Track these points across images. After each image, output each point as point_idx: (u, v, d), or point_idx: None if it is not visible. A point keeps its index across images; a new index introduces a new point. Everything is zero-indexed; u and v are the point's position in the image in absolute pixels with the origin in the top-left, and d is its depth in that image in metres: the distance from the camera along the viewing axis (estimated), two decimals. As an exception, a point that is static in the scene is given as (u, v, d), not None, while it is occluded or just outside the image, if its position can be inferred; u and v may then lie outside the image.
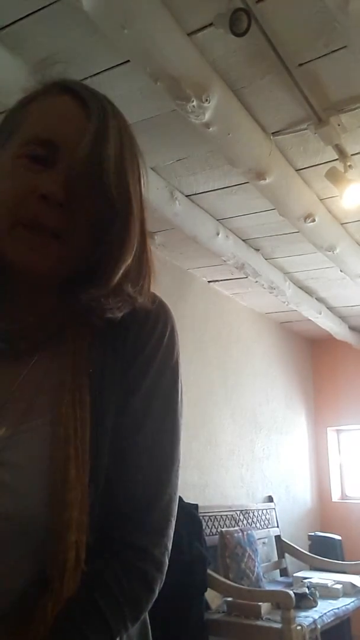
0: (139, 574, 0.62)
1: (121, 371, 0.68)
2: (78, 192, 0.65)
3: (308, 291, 4.06)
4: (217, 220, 2.99)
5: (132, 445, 0.66)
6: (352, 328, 4.85)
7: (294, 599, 2.81)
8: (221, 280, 3.91)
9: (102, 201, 0.65)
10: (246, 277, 3.51)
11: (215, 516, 3.50)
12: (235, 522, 3.66)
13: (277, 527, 4.16)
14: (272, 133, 2.23)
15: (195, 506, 3.17)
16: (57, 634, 0.56)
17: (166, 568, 0.65)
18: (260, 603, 2.92)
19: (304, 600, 3.14)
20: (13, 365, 0.67)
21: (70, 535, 0.58)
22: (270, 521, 4.10)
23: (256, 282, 3.51)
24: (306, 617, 2.98)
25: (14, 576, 0.60)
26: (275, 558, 4.10)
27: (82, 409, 0.63)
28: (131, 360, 0.69)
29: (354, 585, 3.56)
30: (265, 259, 3.47)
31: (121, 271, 0.67)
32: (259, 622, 2.86)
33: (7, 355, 0.68)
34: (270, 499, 4.27)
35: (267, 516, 4.09)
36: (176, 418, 0.70)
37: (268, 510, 4.13)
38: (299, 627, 2.81)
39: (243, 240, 3.24)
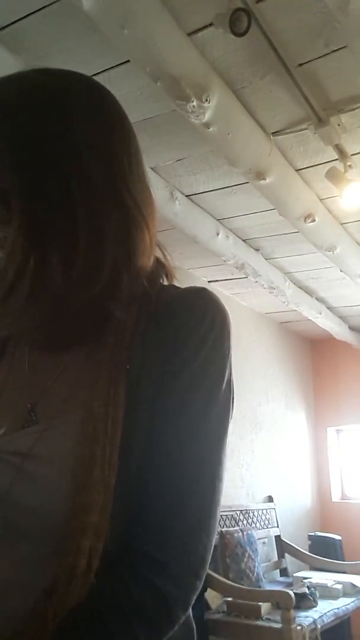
0: (153, 590, 0.55)
1: (159, 368, 0.62)
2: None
3: (308, 291, 4.06)
4: (217, 220, 2.99)
5: (165, 448, 0.60)
6: (352, 328, 4.85)
7: (294, 599, 2.81)
8: (221, 280, 3.91)
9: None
10: (246, 277, 3.51)
11: (215, 516, 3.50)
12: (235, 522, 3.66)
13: (277, 527, 4.16)
14: (272, 133, 2.23)
15: (195, 506, 3.16)
16: None
17: (192, 590, 0.58)
18: (260, 603, 2.92)
19: (304, 600, 3.14)
20: (52, 357, 0.65)
21: (84, 540, 0.54)
22: (270, 521, 4.10)
23: (256, 282, 3.51)
24: (306, 617, 2.98)
25: (33, 572, 0.58)
26: (275, 558, 4.10)
27: (116, 406, 0.59)
28: (170, 357, 0.62)
29: (354, 585, 3.56)
30: (265, 259, 3.47)
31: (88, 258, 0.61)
32: (259, 622, 2.86)
33: (45, 347, 0.66)
34: (270, 499, 4.27)
35: (267, 516, 4.09)
36: (218, 421, 0.63)
37: (268, 510, 4.13)
38: (299, 627, 2.81)
39: (243, 240, 3.24)
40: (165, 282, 0.71)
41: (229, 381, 0.65)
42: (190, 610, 0.62)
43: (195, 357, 0.63)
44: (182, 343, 0.63)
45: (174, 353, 0.63)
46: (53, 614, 0.53)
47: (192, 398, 0.62)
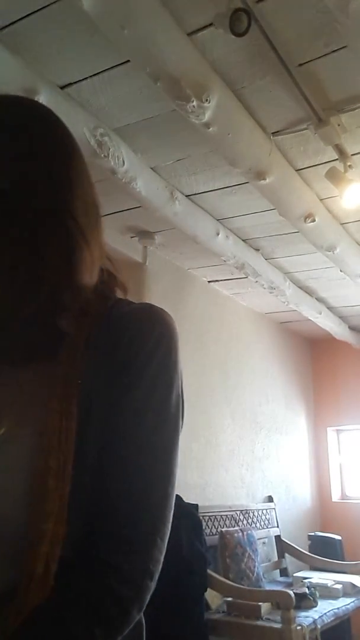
0: (112, 595, 0.59)
1: (111, 384, 0.66)
2: None
3: (308, 291, 4.06)
4: (217, 220, 2.99)
5: (117, 458, 0.64)
6: (352, 328, 4.85)
7: (294, 599, 2.81)
8: (221, 280, 3.91)
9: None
10: (246, 277, 3.51)
11: (215, 516, 3.50)
12: (235, 522, 3.66)
13: (277, 527, 4.16)
14: (272, 133, 2.23)
15: (195, 506, 3.17)
16: None
17: (147, 591, 0.62)
18: (260, 603, 2.92)
19: (304, 600, 3.14)
20: (9, 373, 0.68)
21: (42, 546, 0.57)
22: (270, 521, 4.10)
23: (256, 282, 3.51)
24: (306, 617, 2.98)
25: None
26: (275, 558, 4.10)
27: (69, 420, 0.62)
28: (122, 372, 0.66)
29: (354, 585, 3.56)
30: (265, 259, 3.47)
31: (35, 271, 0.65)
32: (259, 622, 2.86)
33: (3, 364, 0.69)
34: (270, 499, 4.27)
35: (267, 516, 4.09)
36: (169, 434, 0.67)
37: (268, 510, 4.13)
38: (299, 627, 2.81)
39: (243, 240, 3.24)
40: (121, 296, 0.75)
41: (178, 394, 0.69)
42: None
43: (144, 373, 0.66)
44: (132, 359, 0.66)
45: (124, 368, 0.66)
46: (14, 616, 0.56)
47: (144, 413, 0.66)
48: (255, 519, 3.91)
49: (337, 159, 2.30)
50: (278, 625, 2.77)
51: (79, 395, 0.64)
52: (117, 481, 0.63)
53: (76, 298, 0.68)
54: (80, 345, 0.67)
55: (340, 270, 3.40)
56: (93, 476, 0.62)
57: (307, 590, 3.25)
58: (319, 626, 2.98)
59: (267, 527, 4.04)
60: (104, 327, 0.68)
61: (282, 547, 4.14)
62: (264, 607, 2.93)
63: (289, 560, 4.14)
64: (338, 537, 4.32)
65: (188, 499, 3.15)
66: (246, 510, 3.86)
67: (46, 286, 0.66)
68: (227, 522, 3.59)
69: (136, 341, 0.67)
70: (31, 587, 0.57)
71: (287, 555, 4.13)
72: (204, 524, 3.23)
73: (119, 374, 0.66)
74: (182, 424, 0.70)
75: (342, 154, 2.26)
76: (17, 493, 0.60)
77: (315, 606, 3.17)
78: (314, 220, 2.64)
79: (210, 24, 1.68)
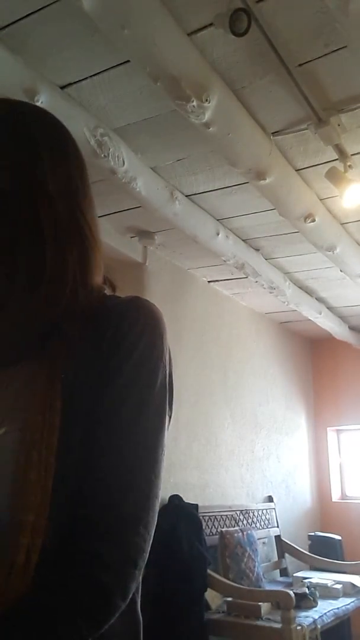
0: (95, 584, 0.59)
1: (94, 377, 0.67)
2: None
3: (308, 291, 4.06)
4: (217, 220, 2.99)
5: (99, 447, 0.65)
6: (352, 328, 4.85)
7: (294, 599, 2.81)
8: (221, 280, 3.91)
9: None
10: (246, 277, 3.51)
11: (215, 516, 3.50)
12: (235, 522, 3.66)
13: (277, 527, 4.16)
14: (272, 133, 2.23)
15: (195, 506, 3.17)
16: None
17: (130, 578, 0.62)
18: (260, 603, 2.92)
19: (304, 600, 3.14)
20: (1, 372, 0.70)
21: (22, 538, 0.58)
22: (270, 521, 4.10)
23: (256, 282, 3.51)
24: (306, 617, 2.98)
25: None
26: (275, 558, 4.10)
27: (51, 414, 0.63)
28: (104, 366, 0.67)
29: (354, 585, 3.56)
30: (265, 259, 3.47)
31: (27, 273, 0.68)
32: (259, 622, 2.86)
33: None
34: (270, 499, 4.27)
35: (267, 516, 4.09)
36: (152, 422, 0.67)
37: (268, 510, 4.13)
38: (299, 627, 2.81)
39: (243, 240, 3.24)
40: (109, 292, 0.78)
41: (164, 383, 0.70)
42: (137, 606, 0.68)
43: (128, 361, 0.67)
44: (115, 349, 0.68)
45: (107, 359, 0.67)
46: None
47: (125, 400, 0.66)
48: (255, 519, 3.91)
49: (337, 159, 2.30)
50: (278, 625, 2.77)
51: (63, 389, 0.65)
52: (98, 470, 0.64)
53: (85, 299, 0.70)
54: (65, 341, 0.68)
55: (340, 270, 3.40)
56: (76, 469, 0.63)
57: (307, 590, 3.25)
58: (319, 626, 2.98)
59: (267, 527, 4.04)
60: (91, 322, 0.69)
61: (282, 547, 4.14)
62: (264, 607, 2.93)
63: (289, 560, 4.14)
64: (338, 537, 4.32)
65: (188, 499, 3.15)
66: (246, 510, 3.86)
67: (67, 294, 0.69)
68: (227, 522, 3.59)
69: (120, 332, 0.68)
70: (11, 578, 0.57)
71: (287, 555, 4.13)
72: (204, 524, 3.23)
73: (102, 368, 0.67)
74: (170, 414, 0.71)
75: (342, 154, 2.26)
76: (1, 487, 0.61)
77: (315, 606, 3.17)
78: (314, 220, 2.64)
79: (210, 24, 1.68)
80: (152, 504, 0.65)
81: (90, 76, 1.91)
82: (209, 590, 2.98)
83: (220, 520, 3.53)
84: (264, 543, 3.96)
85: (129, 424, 0.66)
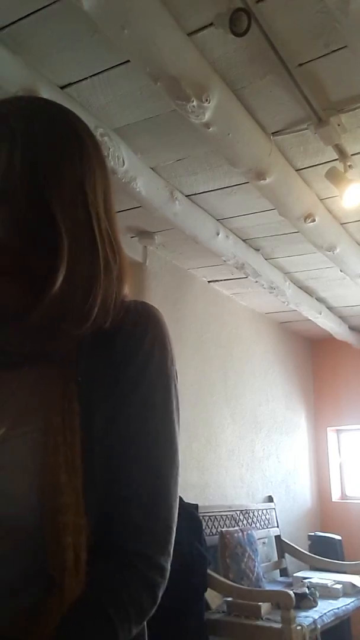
0: (144, 581, 0.64)
1: (111, 380, 0.68)
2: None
3: (308, 291, 4.06)
4: (217, 220, 2.99)
5: (131, 454, 0.67)
6: (352, 328, 4.85)
7: (294, 599, 2.81)
8: (221, 280, 3.91)
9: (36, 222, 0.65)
10: (246, 277, 3.51)
11: (215, 516, 3.50)
12: (235, 522, 3.66)
13: (277, 527, 4.16)
14: (272, 133, 2.23)
15: (195, 506, 3.17)
16: (63, 634, 0.57)
17: (167, 575, 0.66)
18: (260, 603, 2.92)
19: (304, 600, 3.14)
20: (6, 374, 0.69)
21: (66, 537, 0.59)
22: (270, 521, 4.10)
23: (256, 282, 3.51)
24: (306, 617, 2.98)
25: (2, 573, 0.62)
26: (275, 558, 4.10)
27: (70, 416, 0.64)
28: (121, 371, 0.68)
29: (354, 585, 3.56)
30: (265, 259, 3.47)
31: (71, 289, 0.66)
32: (259, 622, 2.86)
33: (1, 366, 0.69)
34: (270, 499, 4.27)
35: (267, 516, 4.09)
36: (172, 426, 0.70)
37: (268, 510, 4.13)
38: (299, 627, 2.81)
39: (243, 240, 3.24)
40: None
41: (177, 387, 0.73)
42: None
43: (146, 370, 0.69)
44: (132, 357, 0.69)
45: (125, 366, 0.69)
46: (57, 608, 0.58)
47: (150, 409, 0.69)
48: (255, 519, 3.91)
49: (337, 159, 2.30)
50: (278, 625, 2.77)
51: (78, 392, 0.65)
52: (133, 475, 0.66)
53: (115, 313, 0.70)
54: (77, 345, 0.68)
55: (340, 270, 3.39)
56: (102, 469, 0.65)
57: (307, 590, 3.25)
58: (319, 626, 2.98)
59: (267, 527, 4.04)
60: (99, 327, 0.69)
61: (282, 547, 4.14)
62: (264, 607, 2.93)
63: (289, 560, 4.14)
64: (338, 537, 4.32)
65: (188, 499, 3.14)
66: (246, 510, 3.86)
67: (99, 296, 0.67)
68: (227, 522, 3.59)
69: (133, 339, 0.70)
70: (66, 577, 0.59)
71: (287, 555, 4.13)
72: (204, 524, 3.23)
73: (119, 372, 0.68)
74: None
75: (342, 154, 2.26)
76: (23, 490, 0.61)
77: (315, 606, 3.17)
78: (314, 220, 2.64)
79: (210, 24, 1.68)
80: (177, 504, 0.70)
81: (90, 76, 1.91)
82: (209, 590, 2.98)
83: (220, 520, 3.53)
84: (264, 543, 3.96)
85: (156, 430, 0.68)
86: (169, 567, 0.66)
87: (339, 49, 1.78)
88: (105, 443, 0.66)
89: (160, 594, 0.65)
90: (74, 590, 0.59)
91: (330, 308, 4.40)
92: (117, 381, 0.68)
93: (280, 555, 4.12)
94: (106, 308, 0.68)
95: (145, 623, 0.69)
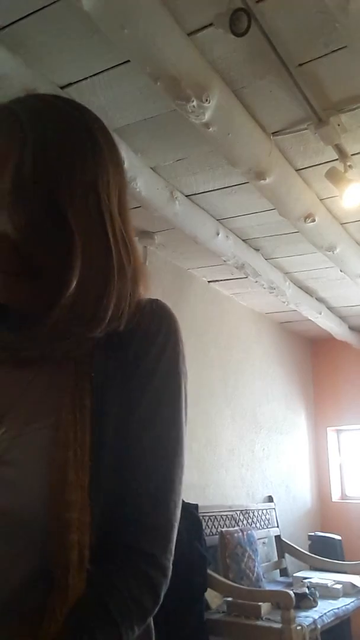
0: (146, 580, 0.63)
1: (124, 378, 0.68)
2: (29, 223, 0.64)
3: (308, 291, 4.06)
4: (217, 220, 2.99)
5: (137, 451, 0.67)
6: (352, 328, 4.85)
7: (294, 599, 2.81)
8: (221, 280, 3.91)
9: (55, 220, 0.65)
10: (246, 277, 3.51)
11: (215, 516, 3.50)
12: (235, 522, 3.66)
13: (277, 527, 4.16)
14: (272, 133, 2.23)
15: (195, 506, 3.17)
16: (67, 634, 0.57)
17: (170, 572, 0.66)
18: (260, 603, 2.92)
19: (304, 600, 3.14)
20: (17, 371, 0.68)
21: (71, 535, 0.59)
22: (270, 521, 4.10)
23: (256, 282, 3.51)
24: (306, 617, 2.98)
25: (11, 570, 0.61)
26: (275, 558, 4.10)
27: (82, 413, 0.63)
28: (134, 368, 0.68)
29: (354, 585, 3.56)
30: (265, 259, 3.47)
31: (93, 294, 0.66)
32: (259, 622, 2.86)
33: (12, 363, 0.69)
34: (270, 499, 4.27)
35: (267, 516, 4.09)
36: (181, 426, 0.70)
37: (268, 510, 4.13)
38: (299, 627, 2.81)
39: (243, 240, 3.24)
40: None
41: (186, 386, 0.73)
42: None
43: (158, 367, 0.69)
44: (144, 354, 0.69)
45: (137, 364, 0.69)
46: (60, 606, 0.58)
47: (161, 405, 0.69)
48: (255, 519, 3.91)
49: (337, 159, 2.30)
50: (278, 625, 2.77)
51: (91, 389, 0.65)
52: (139, 473, 0.66)
53: (130, 312, 0.70)
54: (90, 342, 0.67)
55: (340, 270, 3.39)
56: (109, 467, 0.64)
57: (307, 590, 3.25)
58: (319, 626, 2.98)
59: (267, 527, 4.03)
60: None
61: (282, 547, 4.14)
62: (264, 607, 2.93)
63: (289, 560, 4.14)
64: (338, 537, 4.32)
65: (188, 499, 3.14)
66: (246, 510, 3.86)
67: (113, 299, 0.67)
68: (227, 522, 3.59)
69: (146, 338, 0.69)
70: (70, 575, 0.59)
71: (287, 555, 4.13)
72: (204, 524, 3.23)
73: (132, 370, 0.68)
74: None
75: (342, 154, 2.26)
76: (32, 486, 0.61)
77: (315, 606, 3.17)
78: (314, 220, 2.64)
79: (210, 24, 1.68)
80: (180, 503, 0.69)
81: (90, 76, 1.91)
82: (209, 590, 2.98)
83: (220, 520, 3.53)
84: (264, 543, 3.95)
85: (165, 427, 0.68)
86: (170, 566, 0.66)
87: (339, 49, 1.78)
88: (114, 440, 0.65)
89: (163, 593, 0.65)
90: (77, 589, 0.59)
91: (330, 308, 4.40)
92: (129, 379, 0.68)
93: (280, 555, 4.12)
94: (120, 310, 0.67)
95: (151, 621, 0.69)
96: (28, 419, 0.64)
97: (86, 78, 1.92)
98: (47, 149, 0.65)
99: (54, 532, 0.59)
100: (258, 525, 3.90)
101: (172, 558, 0.66)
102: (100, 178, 0.68)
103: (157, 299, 0.74)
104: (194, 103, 1.77)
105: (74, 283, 0.64)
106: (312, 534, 4.43)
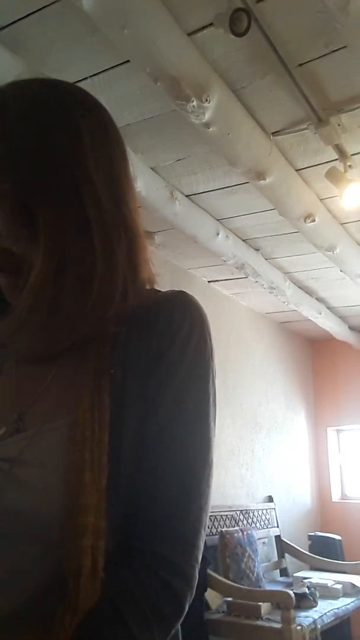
0: (168, 588, 0.58)
1: (145, 373, 0.64)
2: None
3: (308, 291, 4.06)
4: (217, 220, 2.99)
5: (160, 452, 0.62)
6: (352, 328, 4.85)
7: (294, 599, 2.81)
8: (221, 280, 3.91)
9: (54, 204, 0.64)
10: (246, 277, 3.51)
11: (215, 516, 3.50)
12: (235, 522, 3.66)
13: (277, 527, 4.16)
14: (272, 133, 2.23)
15: (195, 506, 3.16)
16: None
17: (195, 582, 0.61)
18: (260, 603, 2.92)
19: (304, 600, 3.14)
20: (39, 368, 0.67)
21: (85, 540, 0.56)
22: (270, 521, 4.10)
23: (256, 282, 3.51)
24: (306, 617, 2.98)
25: (26, 573, 0.59)
26: (275, 558, 4.10)
27: (101, 412, 0.60)
28: (156, 363, 0.64)
29: (354, 585, 3.56)
30: (265, 259, 3.47)
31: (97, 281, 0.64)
32: (259, 622, 2.86)
33: (32, 359, 0.68)
34: (270, 499, 4.27)
35: (267, 516, 4.09)
36: (207, 423, 0.65)
37: (268, 510, 4.13)
38: (299, 627, 2.81)
39: (243, 240, 3.24)
40: (147, 287, 0.74)
41: (214, 380, 0.68)
42: None
43: (181, 362, 0.65)
44: (167, 348, 0.65)
45: (160, 358, 0.64)
46: (69, 615, 0.54)
47: (184, 403, 0.64)
48: (255, 519, 3.91)
49: (337, 159, 2.30)
50: (278, 625, 2.77)
51: (111, 386, 0.62)
52: (162, 474, 0.61)
53: (137, 297, 0.68)
54: (110, 336, 0.65)
55: (340, 270, 3.40)
56: (129, 468, 0.61)
57: (307, 590, 3.25)
58: (319, 626, 2.98)
59: (267, 527, 4.04)
60: (137, 318, 0.66)
61: (282, 547, 4.14)
62: (264, 607, 2.93)
63: (289, 560, 4.14)
64: (338, 537, 4.32)
65: (188, 499, 3.14)
66: (246, 510, 3.86)
67: (117, 297, 0.65)
68: (227, 522, 3.59)
69: (170, 330, 0.65)
70: (81, 584, 0.55)
71: (287, 555, 4.13)
72: (204, 524, 3.22)
73: (154, 364, 0.64)
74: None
75: (342, 154, 2.26)
76: (50, 487, 0.58)
77: (315, 606, 3.17)
78: (314, 220, 2.64)
79: (210, 24, 1.68)
80: (207, 506, 0.65)
81: (90, 76, 1.91)
82: (209, 590, 2.98)
83: (220, 520, 3.53)
84: (264, 543, 3.96)
85: (188, 430, 0.64)
86: (196, 575, 0.61)
87: (339, 49, 1.78)
88: (135, 439, 0.62)
89: (187, 603, 0.60)
90: (90, 599, 0.55)
91: (330, 308, 4.40)
92: (152, 373, 0.64)
93: (280, 555, 4.12)
94: (110, 297, 0.65)
95: (179, 631, 0.65)
96: (48, 417, 0.62)
97: (86, 78, 1.92)
98: (18, 140, 0.65)
99: (67, 537, 0.56)
100: (258, 525, 3.90)
101: (197, 566, 0.61)
102: (80, 164, 0.65)
103: (181, 290, 0.70)
104: (194, 103, 1.77)
105: (47, 275, 0.62)
106: (312, 534, 4.43)
